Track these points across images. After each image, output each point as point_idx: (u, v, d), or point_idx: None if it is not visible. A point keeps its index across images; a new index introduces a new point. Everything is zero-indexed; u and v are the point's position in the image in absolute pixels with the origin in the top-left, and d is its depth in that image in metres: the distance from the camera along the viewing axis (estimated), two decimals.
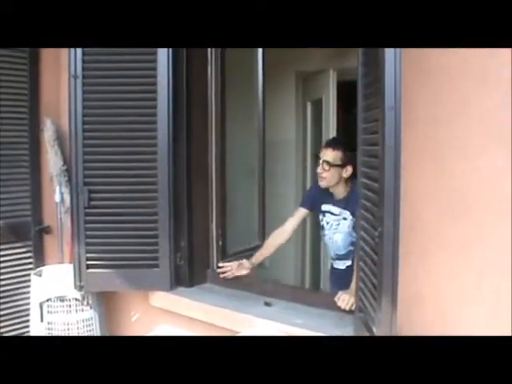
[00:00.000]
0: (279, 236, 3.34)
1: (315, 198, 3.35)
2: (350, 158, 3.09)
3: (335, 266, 3.38)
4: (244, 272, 3.24)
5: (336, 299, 2.77)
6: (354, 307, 2.57)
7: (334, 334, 2.52)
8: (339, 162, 3.10)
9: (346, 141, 3.27)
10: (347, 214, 3.16)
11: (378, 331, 2.06)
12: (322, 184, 3.17)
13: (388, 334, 2.01)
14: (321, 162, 3.12)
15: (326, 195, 3.26)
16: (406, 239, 2.12)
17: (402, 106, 1.93)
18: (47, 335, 3.22)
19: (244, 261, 3.25)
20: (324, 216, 3.30)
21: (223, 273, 3.27)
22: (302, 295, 3.04)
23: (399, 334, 2.11)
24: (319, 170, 3.14)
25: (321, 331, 2.56)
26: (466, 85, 2.15)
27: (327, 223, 3.29)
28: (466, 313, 2.19)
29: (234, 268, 3.24)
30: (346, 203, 3.16)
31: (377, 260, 2.07)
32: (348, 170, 3.10)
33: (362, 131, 2.33)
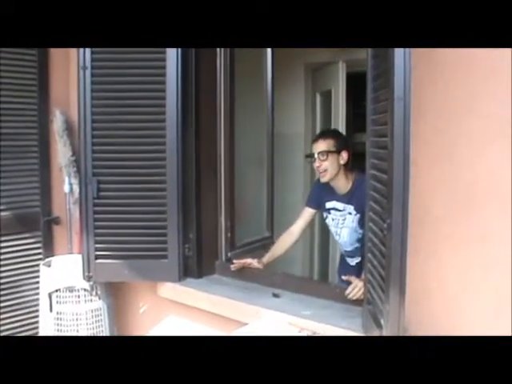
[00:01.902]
0: (286, 239, 3.34)
1: (319, 196, 3.33)
2: (342, 145, 3.11)
3: (347, 261, 3.37)
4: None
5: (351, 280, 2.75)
6: (361, 296, 2.58)
7: (341, 326, 2.52)
8: (333, 149, 3.08)
9: (334, 130, 3.27)
10: (351, 208, 3.14)
11: (386, 323, 2.06)
12: (325, 178, 3.14)
13: (396, 327, 2.00)
14: (316, 156, 3.09)
15: (329, 192, 3.24)
16: (415, 232, 2.12)
17: (412, 97, 1.93)
18: (54, 332, 3.25)
19: (255, 261, 3.23)
20: (329, 213, 3.29)
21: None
22: (310, 286, 3.04)
23: (407, 327, 2.11)
24: (317, 164, 3.10)
25: (329, 323, 2.56)
26: (474, 79, 2.13)
27: (333, 220, 3.27)
28: (472, 307, 2.18)
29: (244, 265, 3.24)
30: (349, 198, 3.15)
31: (385, 252, 2.06)
32: (344, 156, 3.09)
33: (371, 122, 2.32)
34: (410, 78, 1.92)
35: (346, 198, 3.16)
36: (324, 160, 3.07)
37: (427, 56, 2.15)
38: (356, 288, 2.67)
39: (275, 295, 2.97)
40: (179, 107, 3.00)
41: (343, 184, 3.16)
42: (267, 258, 3.27)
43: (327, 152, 3.06)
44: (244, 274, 3.21)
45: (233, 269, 3.21)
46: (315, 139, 3.19)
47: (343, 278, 2.82)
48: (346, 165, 3.13)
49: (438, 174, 2.24)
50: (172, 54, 2.97)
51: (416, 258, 2.20)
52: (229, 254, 3.37)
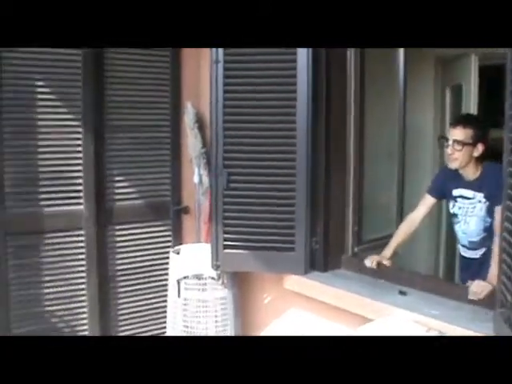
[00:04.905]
0: (407, 227, 3.26)
1: (444, 184, 3.22)
2: (480, 136, 2.99)
3: (466, 255, 3.26)
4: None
5: (470, 285, 2.73)
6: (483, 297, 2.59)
7: (471, 328, 2.45)
8: (470, 141, 2.97)
9: (475, 117, 3.15)
10: (481, 196, 3.03)
11: None
12: (453, 165, 3.04)
13: None
14: (450, 142, 3.00)
15: (456, 179, 3.13)
16: None
17: None
18: (181, 317, 3.36)
19: (375, 257, 3.17)
20: (456, 202, 3.18)
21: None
22: (437, 286, 2.96)
23: None
24: (449, 150, 3.01)
25: (457, 324, 2.50)
26: None
27: (459, 208, 3.17)
28: None
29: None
30: (479, 185, 3.03)
31: None
32: (479, 149, 2.98)
33: (509, 118, 2.23)
34: None
35: (476, 186, 3.05)
36: (458, 150, 2.98)
37: None
38: (479, 289, 2.65)
39: (402, 293, 2.91)
40: (310, 100, 3.01)
41: (472, 171, 3.06)
42: (389, 252, 3.21)
43: (463, 143, 2.97)
44: (371, 269, 3.17)
45: (369, 265, 3.16)
46: (455, 124, 3.09)
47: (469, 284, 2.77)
48: (478, 156, 3.03)
49: None
50: (303, 50, 2.98)
51: None
52: (355, 249, 3.34)
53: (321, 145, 3.15)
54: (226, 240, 3.16)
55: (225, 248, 3.16)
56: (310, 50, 2.98)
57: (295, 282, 3.23)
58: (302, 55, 2.98)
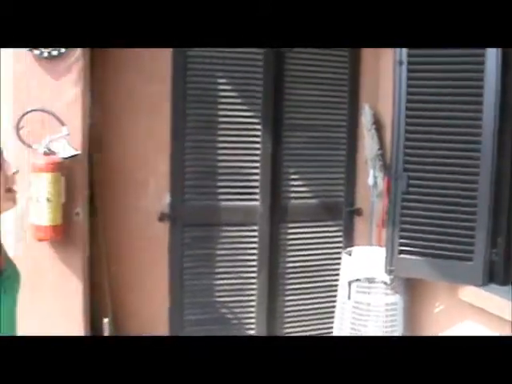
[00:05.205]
0: None
1: None
2: None
3: None
4: None
5: None
6: None
7: None
8: None
9: None
10: None
11: None
12: None
13: None
14: None
15: None
16: None
17: None
18: (350, 319, 3.34)
19: None
20: None
21: None
22: None
23: None
24: None
25: None
26: None
27: None
28: None
29: None
30: None
31: None
32: None
33: None
34: None
35: None
36: None
37: None
38: None
39: None
40: (497, 105, 2.88)
41: None
42: None
43: None
44: None
45: None
46: None
47: None
48: None
49: None
50: (492, 51, 2.85)
51: None
52: None
53: (507, 152, 2.99)
54: (401, 245, 3.11)
55: (400, 253, 3.12)
56: (500, 50, 2.85)
57: (472, 293, 3.09)
58: (491, 56, 2.86)
